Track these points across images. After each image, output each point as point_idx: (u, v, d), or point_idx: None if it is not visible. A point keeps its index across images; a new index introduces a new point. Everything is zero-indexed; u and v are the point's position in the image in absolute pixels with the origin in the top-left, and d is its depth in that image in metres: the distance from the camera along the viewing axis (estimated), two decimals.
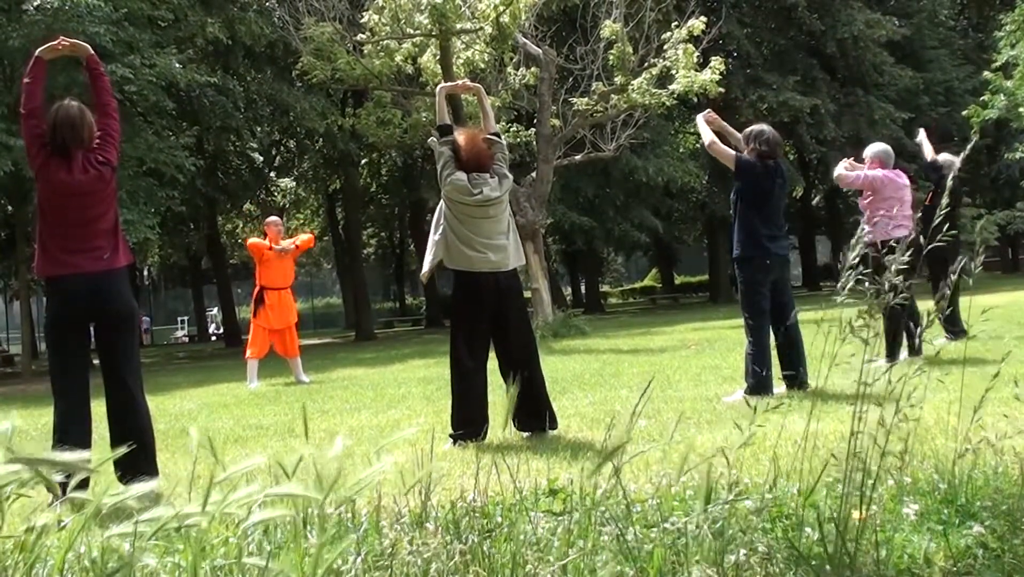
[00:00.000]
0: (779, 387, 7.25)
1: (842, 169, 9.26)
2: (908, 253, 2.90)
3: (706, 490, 2.51)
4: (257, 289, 12.71)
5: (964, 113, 27.59)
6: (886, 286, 2.85)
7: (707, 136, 7.79)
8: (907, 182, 9.54)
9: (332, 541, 2.33)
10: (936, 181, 10.60)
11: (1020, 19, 26.22)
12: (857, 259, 2.84)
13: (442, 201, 6.32)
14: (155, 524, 2.18)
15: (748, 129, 7.83)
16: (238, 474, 2.37)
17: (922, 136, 11.11)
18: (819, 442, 4.32)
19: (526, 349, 6.29)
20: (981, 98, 27.02)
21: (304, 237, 13.32)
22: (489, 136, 6.43)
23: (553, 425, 6.10)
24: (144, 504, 2.27)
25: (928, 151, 10.82)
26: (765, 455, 3.62)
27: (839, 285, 2.89)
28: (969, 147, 4.05)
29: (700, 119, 7.96)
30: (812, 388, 7.16)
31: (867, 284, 2.86)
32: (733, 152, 7.67)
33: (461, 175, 6.18)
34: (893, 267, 2.86)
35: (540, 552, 2.71)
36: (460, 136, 6.39)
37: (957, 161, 10.88)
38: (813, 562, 2.63)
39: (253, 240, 13.03)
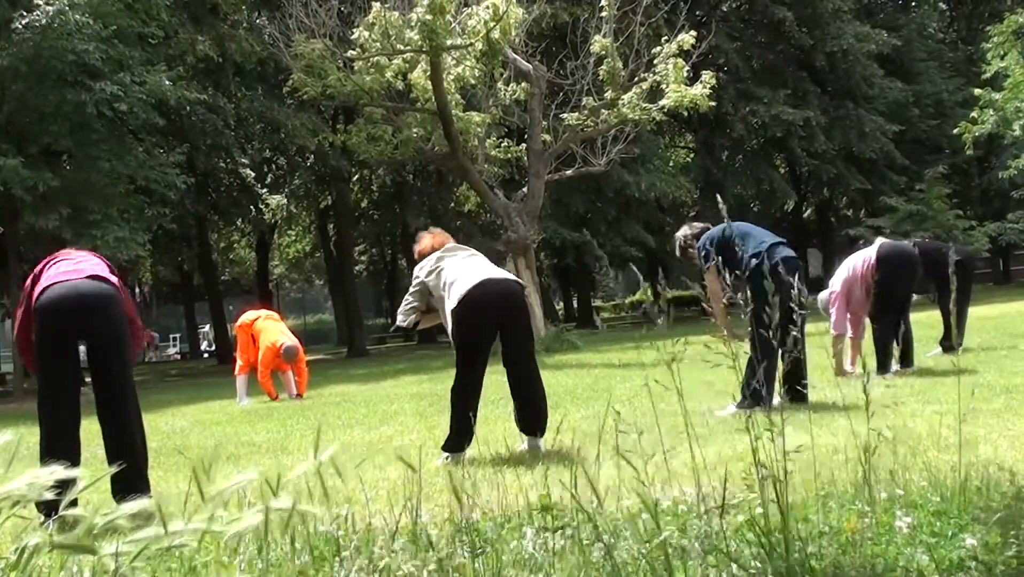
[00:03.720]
0: (776, 399, 7.20)
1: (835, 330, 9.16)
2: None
3: (690, 505, 2.50)
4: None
5: (955, 131, 27.76)
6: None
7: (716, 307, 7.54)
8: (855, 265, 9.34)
9: (322, 559, 2.32)
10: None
11: (1007, 31, 26.38)
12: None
13: (422, 280, 6.39)
14: (144, 543, 2.17)
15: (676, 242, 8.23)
16: (230, 491, 2.36)
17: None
18: (813, 455, 4.32)
19: (527, 351, 6.35)
20: (971, 114, 27.15)
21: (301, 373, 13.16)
22: None
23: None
24: (137, 523, 2.26)
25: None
26: (758, 468, 3.60)
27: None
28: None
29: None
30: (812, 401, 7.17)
31: None
32: (702, 277, 7.53)
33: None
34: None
35: (531, 569, 2.70)
36: (429, 235, 6.70)
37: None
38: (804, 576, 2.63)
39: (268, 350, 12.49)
